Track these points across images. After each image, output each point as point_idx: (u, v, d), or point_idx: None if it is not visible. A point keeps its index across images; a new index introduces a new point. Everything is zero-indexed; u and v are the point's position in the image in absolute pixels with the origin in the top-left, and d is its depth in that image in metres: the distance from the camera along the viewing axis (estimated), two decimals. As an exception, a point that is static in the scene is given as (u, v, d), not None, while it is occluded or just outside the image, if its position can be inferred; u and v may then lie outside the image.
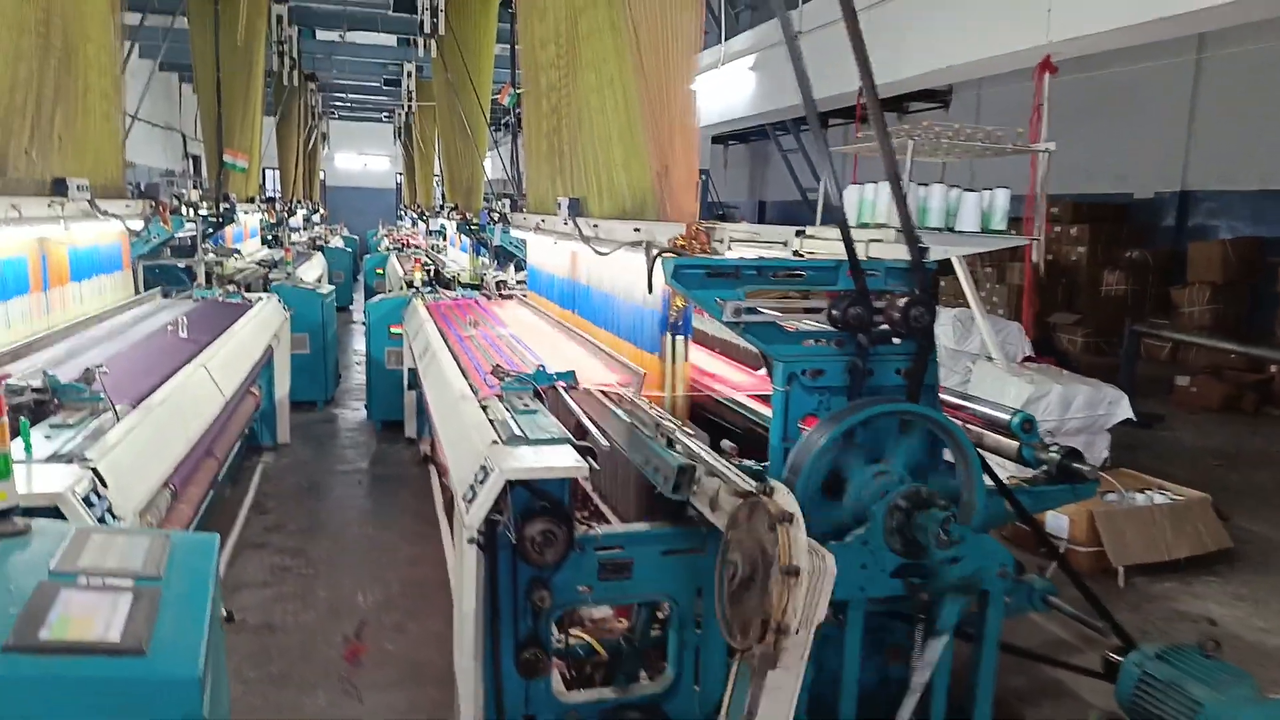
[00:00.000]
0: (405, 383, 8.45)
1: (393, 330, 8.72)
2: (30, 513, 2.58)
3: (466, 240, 13.49)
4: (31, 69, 4.71)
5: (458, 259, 14.88)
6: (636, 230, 4.32)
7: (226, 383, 4.89)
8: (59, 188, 5.10)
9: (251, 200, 13.97)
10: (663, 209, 4.30)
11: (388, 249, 16.67)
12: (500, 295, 8.33)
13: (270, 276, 10.68)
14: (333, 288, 10.43)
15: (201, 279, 9.51)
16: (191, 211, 9.43)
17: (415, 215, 22.06)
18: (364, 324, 16.26)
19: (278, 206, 17.11)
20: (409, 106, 18.76)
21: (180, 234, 10.38)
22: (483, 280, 10.43)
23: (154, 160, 19.42)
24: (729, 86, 13.51)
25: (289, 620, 4.86)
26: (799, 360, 3.13)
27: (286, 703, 4.02)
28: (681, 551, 3.44)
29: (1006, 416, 3.56)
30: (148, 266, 9.58)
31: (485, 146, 12.24)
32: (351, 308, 18.00)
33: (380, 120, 30.81)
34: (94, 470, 2.79)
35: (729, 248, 3.60)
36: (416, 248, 16.36)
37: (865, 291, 3.12)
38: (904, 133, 5.27)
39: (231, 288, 7.64)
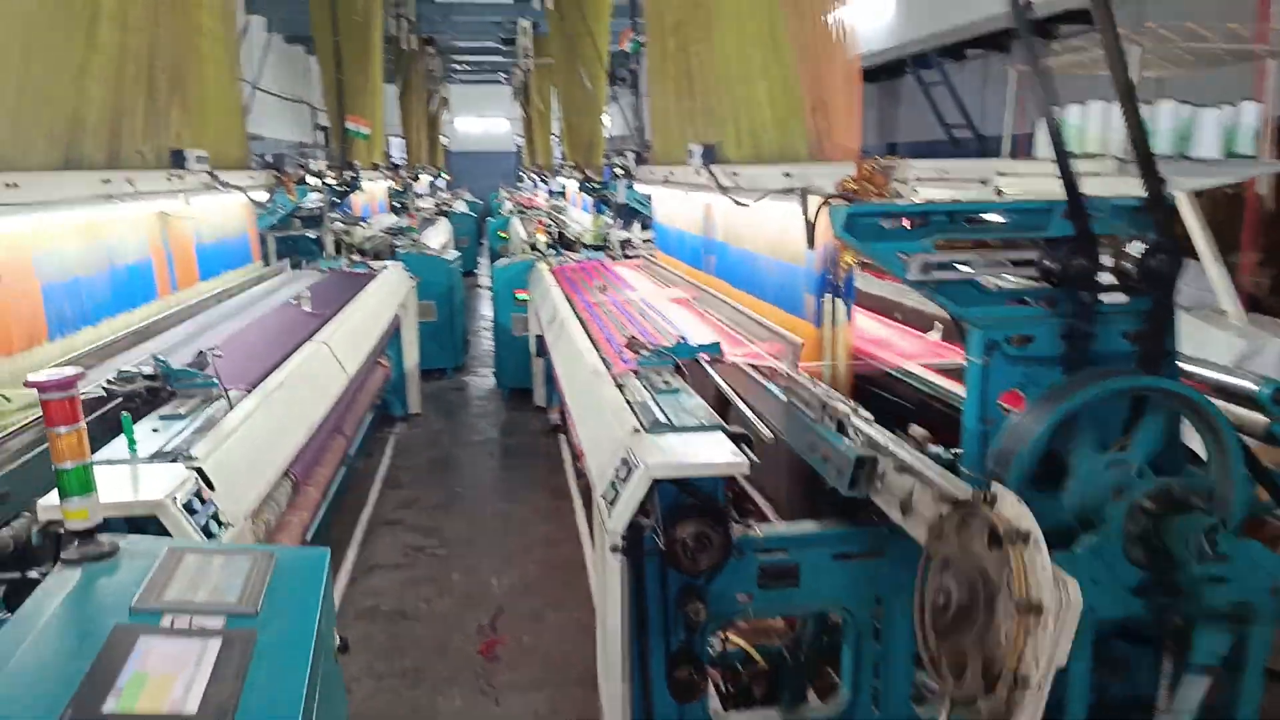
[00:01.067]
0: (532, 349, 8.18)
1: (518, 295, 8.45)
2: (132, 524, 2.33)
3: (588, 199, 13.14)
4: (142, 69, 4.53)
5: (579, 219, 14.57)
6: (787, 175, 3.73)
7: (350, 358, 4.65)
8: (177, 160, 4.96)
9: (375, 167, 14.06)
10: (817, 150, 3.70)
11: (510, 212, 16.53)
12: (625, 256, 7.88)
13: (396, 244, 10.63)
14: (458, 253, 10.28)
15: (330, 248, 9.52)
16: (317, 181, 9.40)
17: (535, 176, 21.93)
18: (490, 289, 16.34)
19: (402, 173, 17.27)
20: (526, 65, 18.46)
21: (309, 204, 10.49)
22: (606, 240, 10.04)
23: (284, 133, 19.95)
24: (866, 16, 12.44)
25: (422, 608, 4.64)
26: (1002, 325, 2.51)
27: (420, 703, 3.78)
28: (857, 556, 2.92)
29: (1248, 384, 2.80)
30: (279, 238, 9.70)
31: (604, 99, 11.75)
32: (476, 272, 18.06)
33: (499, 82, 30.80)
34: (199, 471, 2.51)
35: (915, 191, 2.98)
36: (538, 209, 16.15)
37: (1091, 236, 2.46)
38: (1130, 39, 4.32)
39: (357, 257, 7.50)
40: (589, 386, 3.55)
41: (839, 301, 3.63)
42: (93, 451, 1.82)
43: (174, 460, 2.58)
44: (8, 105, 3.40)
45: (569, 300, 5.65)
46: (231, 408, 3.09)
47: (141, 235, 4.58)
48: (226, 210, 5.92)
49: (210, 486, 2.52)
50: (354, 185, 10.87)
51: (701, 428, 2.85)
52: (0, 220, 3.17)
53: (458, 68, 28.67)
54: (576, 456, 4.49)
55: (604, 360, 3.83)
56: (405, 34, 15.50)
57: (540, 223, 9.24)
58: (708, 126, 5.13)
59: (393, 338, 7.32)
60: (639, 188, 7.37)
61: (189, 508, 2.35)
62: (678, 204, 6.27)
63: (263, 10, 15.43)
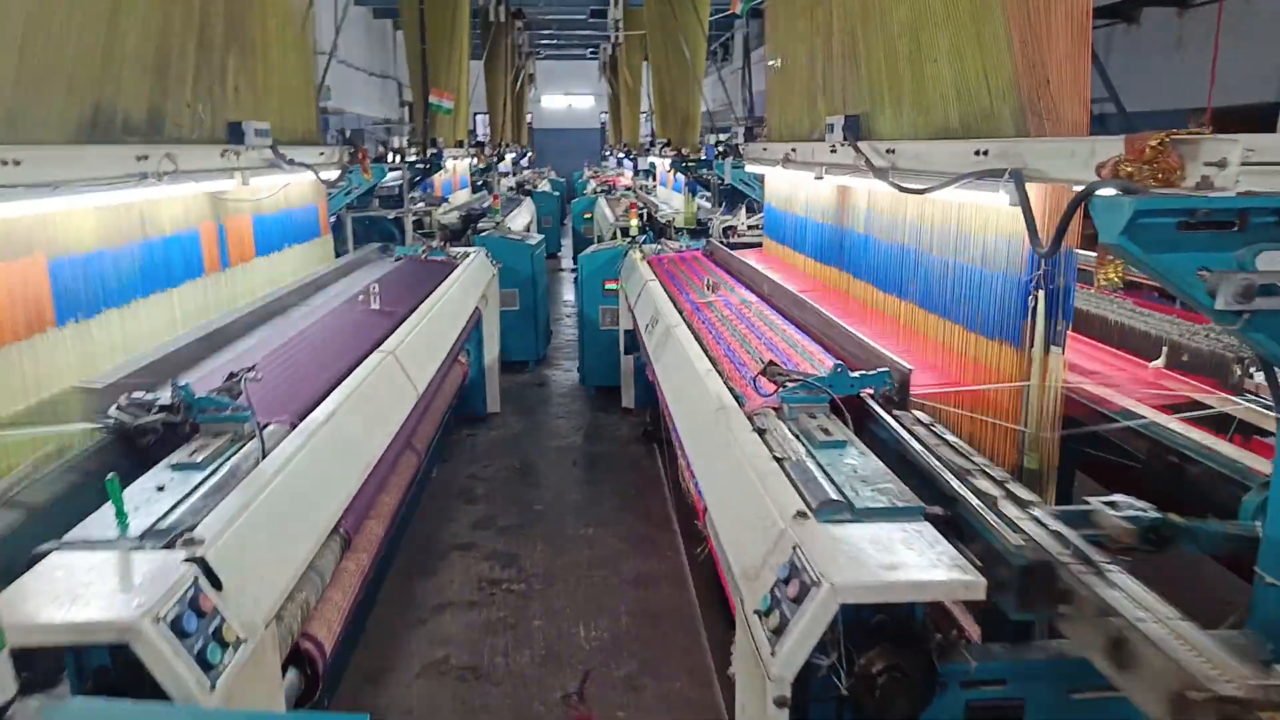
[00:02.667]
0: (621, 346, 7.43)
1: (608, 286, 7.70)
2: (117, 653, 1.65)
3: (680, 179, 12.29)
4: (191, 12, 3.88)
5: (670, 200, 13.74)
6: (981, 154, 2.83)
7: (423, 370, 3.96)
8: (235, 135, 4.33)
9: (460, 144, 13.49)
10: (1029, 119, 2.78)
11: (595, 191, 15.79)
12: (729, 244, 7.02)
13: (478, 226, 10.00)
14: (542, 237, 9.56)
15: (409, 231, 8.94)
16: (398, 158, 8.81)
17: (621, 154, 21.16)
18: (573, 273, 15.64)
19: (486, 151, 16.71)
20: (616, 37, 17.63)
21: (389, 183, 9.94)
22: (706, 227, 9.19)
23: (371, 110, 19.63)
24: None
25: (499, 664, 3.94)
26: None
27: (495, 808, 3.09)
28: (1101, 691, 2.07)
29: None
30: (357, 218, 9.16)
31: (703, 70, 10.85)
32: (560, 254, 17.40)
33: (585, 57, 30.04)
34: (202, 564, 1.80)
35: (1237, 181, 2.05)
36: (626, 189, 15.36)
37: None
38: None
39: (436, 244, 6.85)
40: (715, 428, 2.75)
41: (1054, 323, 2.74)
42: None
43: (170, 545, 1.88)
44: (8, 46, 2.74)
45: (672, 300, 4.84)
46: (265, 453, 2.39)
47: (187, 205, 3.97)
48: (295, 199, 5.31)
49: (216, 584, 1.81)
50: (436, 163, 10.28)
51: (895, 512, 2.02)
52: (-6, 205, 2.53)
53: (545, 42, 28.06)
54: (677, 480, 3.71)
55: (730, 389, 3.02)
56: (494, 5, 14.84)
57: (633, 205, 8.44)
58: (852, 92, 4.24)
59: (473, 331, 6.65)
60: (750, 167, 6.49)
61: (179, 626, 1.65)
62: (802, 187, 5.39)
63: (349, -18, 14.99)
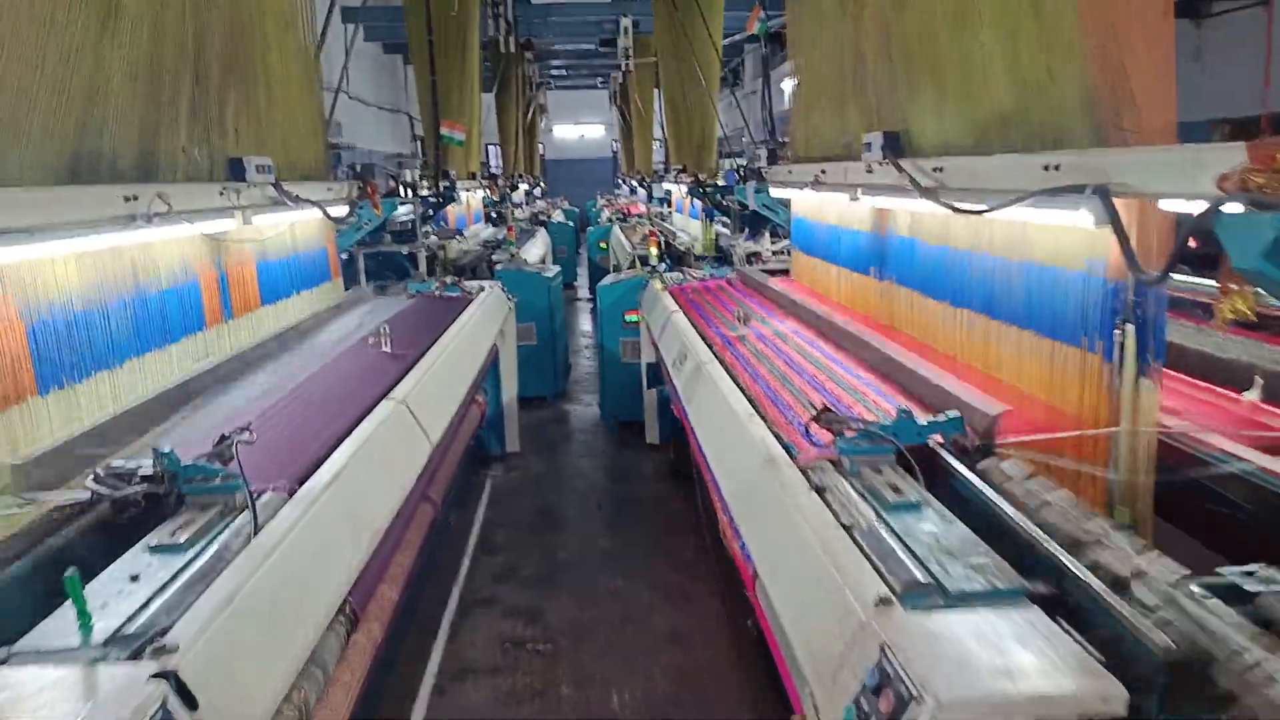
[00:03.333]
0: (644, 379, 7.14)
1: (628, 317, 7.43)
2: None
3: (697, 205, 12.06)
4: (184, 43, 3.66)
5: (687, 227, 13.50)
6: (1052, 169, 2.53)
7: (437, 418, 3.67)
8: (235, 170, 4.10)
9: (473, 176, 13.34)
10: (1107, 129, 2.49)
11: (609, 220, 15.58)
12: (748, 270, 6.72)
13: (493, 259, 9.78)
14: (559, 268, 9.32)
15: (422, 267, 8.71)
16: (409, 192, 8.61)
17: (634, 183, 21.02)
18: (590, 303, 15.41)
19: (499, 182, 16.58)
20: (626, 65, 17.53)
21: (401, 218, 9.74)
22: (727, 253, 8.91)
23: (383, 144, 19.59)
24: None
25: (525, 740, 3.62)
26: None
27: None
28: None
29: None
30: (368, 255, 8.96)
31: (717, 94, 10.64)
32: (576, 284, 17.18)
33: (595, 86, 30.12)
34: (174, 679, 1.51)
35: None
36: (639, 217, 15.15)
37: None
38: None
39: (449, 280, 6.60)
40: (765, 485, 2.44)
41: (1143, 352, 2.42)
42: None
43: (138, 654, 1.58)
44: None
45: (700, 333, 4.55)
46: (258, 528, 2.10)
47: (184, 252, 3.72)
48: (298, 223, 5.07)
49: (191, 704, 1.51)
50: (449, 195, 10.10)
51: (997, 596, 1.69)
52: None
53: (555, 73, 28.13)
54: (706, 520, 3.36)
55: (777, 436, 2.70)
56: (504, 36, 14.76)
57: (652, 234, 8.18)
58: (889, 106, 3.96)
59: (489, 368, 6.38)
60: (775, 192, 6.22)
61: (139, 766, 1.34)
62: (833, 209, 5.11)
63: (359, 18, 14.99)
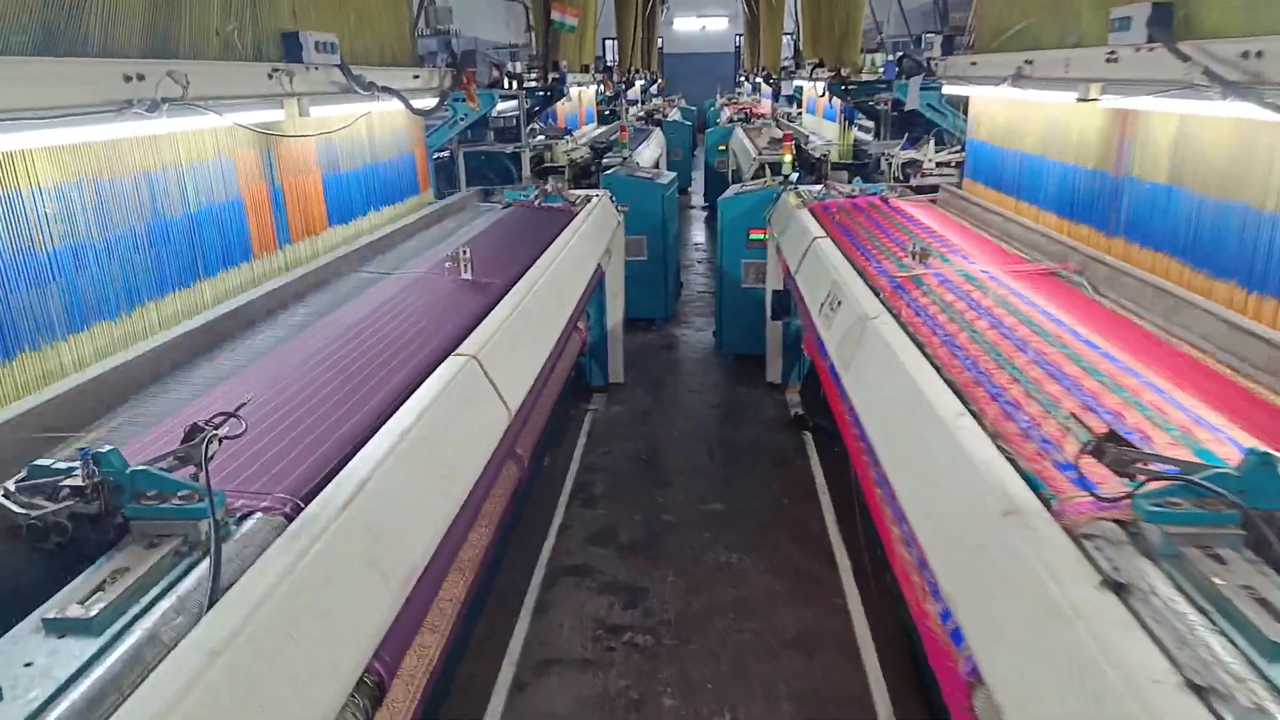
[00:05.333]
0: (769, 308, 6.21)
1: (753, 236, 6.45)
2: None
3: (833, 105, 10.71)
4: None
5: (820, 130, 12.13)
6: None
7: (519, 376, 2.88)
8: (290, 47, 3.32)
9: (585, 69, 12.29)
10: None
11: (730, 121, 14.28)
12: (910, 186, 5.61)
13: (604, 162, 8.86)
14: (674, 175, 8.32)
15: (526, 168, 7.90)
16: (514, 84, 7.73)
17: (760, 79, 19.41)
18: (705, 211, 14.32)
19: (614, 77, 15.44)
20: (758, -54, 15.83)
21: (505, 113, 8.89)
22: (868, 163, 7.72)
23: (498, 35, 18.59)
24: None
25: (617, 773, 2.95)
26: None
27: None
28: None
29: None
30: (469, 153, 8.19)
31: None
32: (690, 189, 16.04)
33: (719, -26, 28.03)
34: None
35: None
36: (765, 118, 13.80)
37: None
38: None
39: (550, 188, 5.76)
40: (1004, 557, 1.54)
41: None
42: None
43: None
44: None
45: (859, 271, 3.57)
46: (217, 591, 1.37)
47: (221, 160, 3.00)
48: (376, 121, 4.30)
49: None
50: (559, 89, 9.18)
51: None
52: None
53: (677, -41, 26.25)
54: (841, 492, 2.42)
55: (1008, 456, 1.79)
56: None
57: (787, 137, 7.07)
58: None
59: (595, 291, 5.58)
60: (950, 89, 5.03)
61: None
62: (1034, 115, 3.97)
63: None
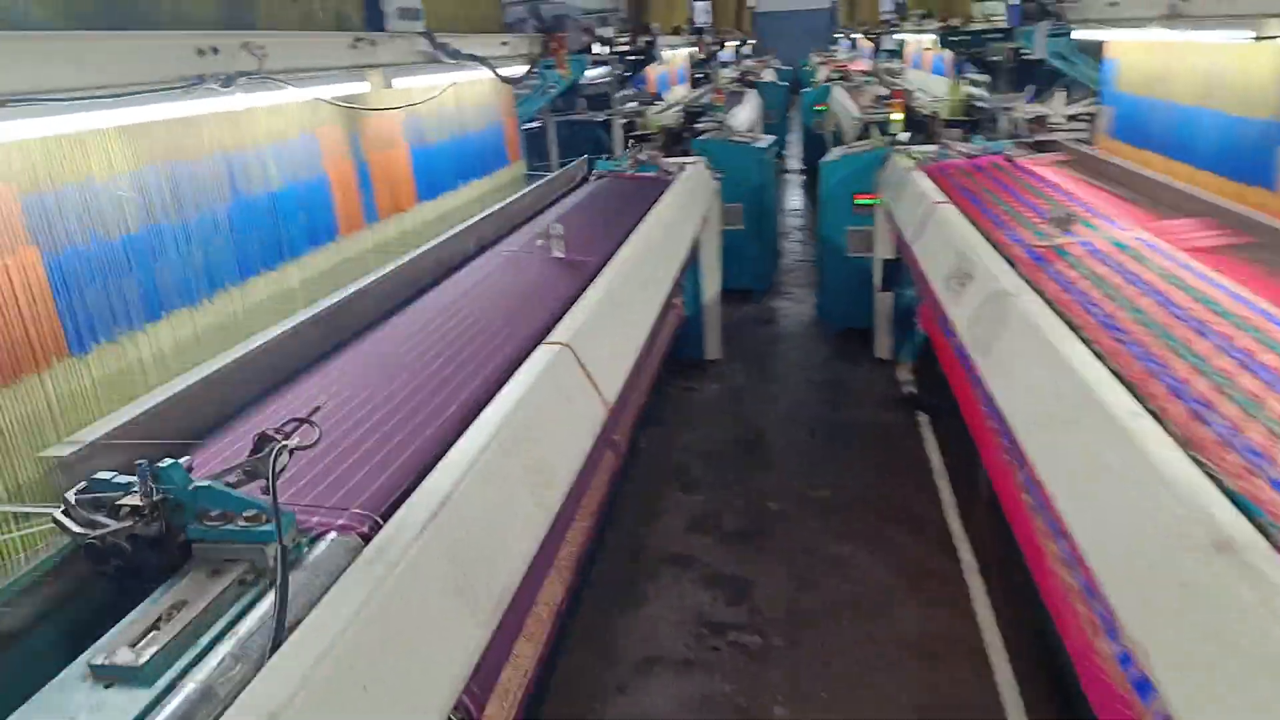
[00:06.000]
0: (877, 279, 5.82)
1: (859, 201, 6.05)
2: None
3: (940, 58, 10.04)
4: None
5: (925, 85, 11.43)
6: None
7: (616, 362, 2.68)
8: (372, 15, 3.16)
9: (676, 31, 11.93)
10: None
11: (827, 80, 13.64)
12: (1038, 144, 5.11)
13: (698, 127, 8.53)
14: (773, 139, 7.92)
15: (619, 136, 7.66)
16: (605, 49, 7.47)
17: (858, 35, 18.57)
18: (802, 175, 13.78)
19: (707, 39, 14.98)
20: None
21: (594, 80, 8.64)
22: (982, 120, 7.15)
23: (589, 1, 18.35)
24: None
25: (723, 790, 2.75)
26: None
27: None
28: None
29: None
30: (560, 122, 7.99)
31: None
32: (785, 153, 15.47)
33: (815, -73, 26.88)
34: None
35: None
36: (866, 75, 13.13)
37: None
38: None
39: (644, 155, 5.50)
40: (1216, 606, 1.24)
41: None
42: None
43: None
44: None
45: (991, 242, 3.20)
46: (284, 628, 1.21)
47: (303, 136, 2.86)
48: (464, 91, 4.13)
49: None
50: (650, 53, 8.89)
51: None
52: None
53: (770, -88, 25.34)
54: (962, 480, 2.12)
55: (1206, 470, 1.47)
56: None
57: (897, 94, 6.60)
58: None
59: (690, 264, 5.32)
60: (1081, 33, 4.52)
61: None
62: (1185, 75, 3.48)
63: None
